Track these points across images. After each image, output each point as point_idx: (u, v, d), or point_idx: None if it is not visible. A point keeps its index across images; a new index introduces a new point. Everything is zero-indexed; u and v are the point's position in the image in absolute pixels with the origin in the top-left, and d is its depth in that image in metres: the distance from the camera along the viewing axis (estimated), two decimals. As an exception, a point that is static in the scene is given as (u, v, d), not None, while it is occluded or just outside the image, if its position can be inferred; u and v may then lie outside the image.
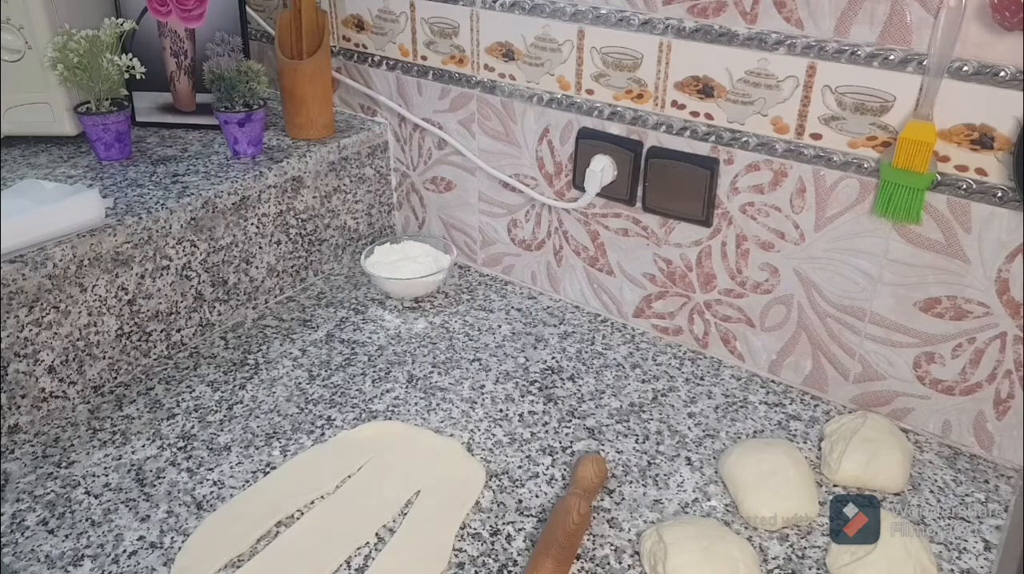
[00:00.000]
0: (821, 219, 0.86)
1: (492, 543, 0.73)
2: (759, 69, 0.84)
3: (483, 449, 0.85)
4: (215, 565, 0.70)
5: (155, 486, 0.79)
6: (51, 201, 0.85)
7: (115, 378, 0.94)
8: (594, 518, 0.76)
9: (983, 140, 0.74)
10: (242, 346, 1.01)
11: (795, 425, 0.89)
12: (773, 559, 0.72)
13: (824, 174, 0.84)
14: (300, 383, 0.94)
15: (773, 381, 0.96)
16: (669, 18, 0.88)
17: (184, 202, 0.95)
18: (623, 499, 0.78)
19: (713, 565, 0.67)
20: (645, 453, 0.84)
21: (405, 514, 0.76)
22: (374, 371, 0.96)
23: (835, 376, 0.92)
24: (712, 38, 0.86)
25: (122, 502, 0.77)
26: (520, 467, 0.82)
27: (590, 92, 0.97)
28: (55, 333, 0.86)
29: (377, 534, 0.74)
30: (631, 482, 0.81)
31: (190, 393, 0.93)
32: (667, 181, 0.95)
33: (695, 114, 0.90)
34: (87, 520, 0.75)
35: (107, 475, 0.81)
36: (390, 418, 0.89)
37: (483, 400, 0.92)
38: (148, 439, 0.85)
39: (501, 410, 0.90)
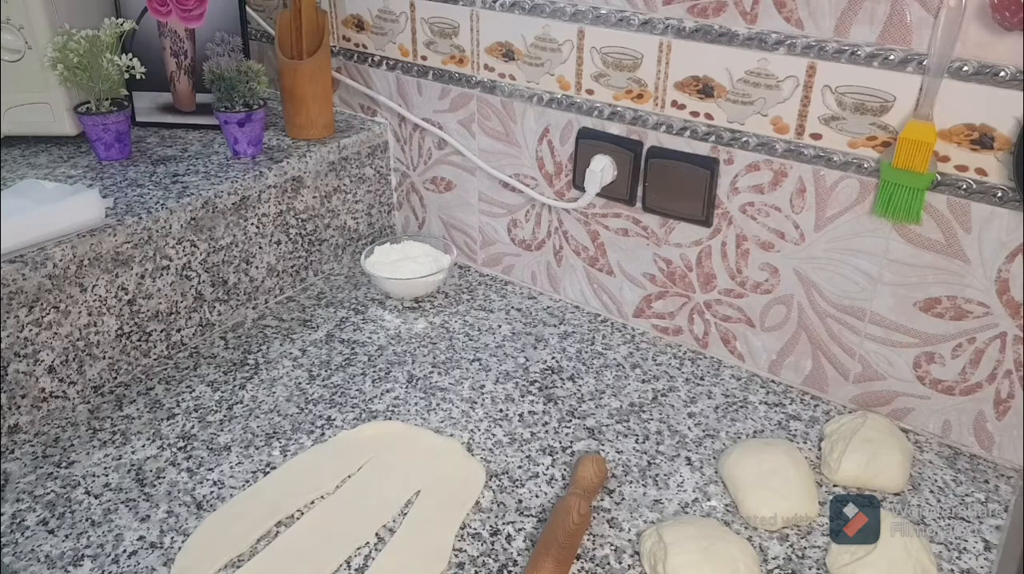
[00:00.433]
0: (821, 219, 0.86)
1: (492, 543, 0.73)
2: (759, 69, 0.84)
3: (483, 449, 0.85)
4: (215, 565, 0.70)
5: (155, 486, 0.79)
6: (51, 201, 0.85)
7: (115, 378, 0.94)
8: (594, 518, 0.76)
9: (983, 140, 0.74)
10: (242, 346, 1.01)
11: (795, 425, 0.89)
12: (773, 559, 0.72)
13: (824, 174, 0.84)
14: (300, 383, 0.94)
15: (773, 381, 0.96)
16: (669, 18, 0.88)
17: (184, 202, 0.95)
18: (623, 499, 0.78)
19: (713, 565, 0.67)
20: (645, 453, 0.84)
21: (405, 514, 0.76)
22: (374, 371, 0.96)
23: (835, 376, 0.92)
24: (712, 38, 0.86)
25: (122, 502, 0.77)
26: (520, 467, 0.82)
27: (590, 92, 0.97)
28: (55, 333, 0.86)
29: (377, 534, 0.74)
30: (631, 482, 0.81)
31: (190, 393, 0.93)
32: (667, 181, 0.95)
33: (695, 114, 0.90)
34: (87, 520, 0.75)
35: (107, 475, 0.81)
36: (390, 418, 0.89)
37: (483, 400, 0.92)
38: (148, 439, 0.85)
39: (501, 410, 0.90)
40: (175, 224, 0.94)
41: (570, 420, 0.89)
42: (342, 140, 1.14)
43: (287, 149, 1.10)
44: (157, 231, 0.93)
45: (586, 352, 1.01)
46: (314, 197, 1.12)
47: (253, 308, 1.09)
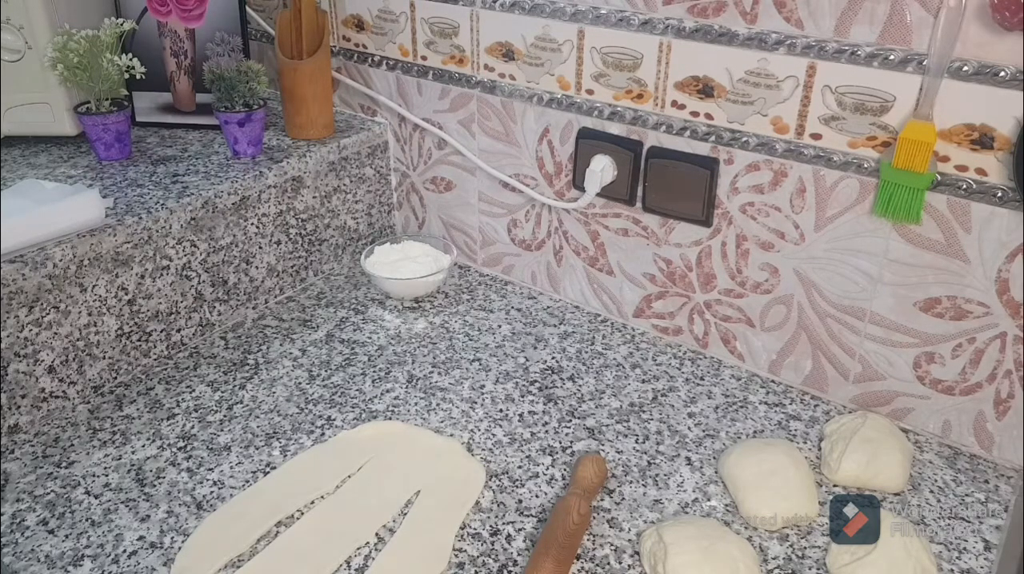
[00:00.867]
0: (821, 219, 0.86)
1: (492, 543, 0.73)
2: (759, 69, 0.84)
3: (483, 449, 0.85)
4: (215, 565, 0.70)
5: (155, 486, 0.79)
6: (51, 201, 0.85)
7: (115, 378, 0.94)
8: (594, 518, 0.76)
9: (983, 140, 0.74)
10: (242, 346, 1.01)
11: (795, 425, 0.89)
12: (773, 559, 0.72)
13: (824, 174, 0.84)
14: (300, 383, 0.94)
15: (773, 381, 0.96)
16: (669, 18, 0.88)
17: (184, 202, 0.95)
18: (623, 499, 0.78)
19: (713, 565, 0.67)
20: (645, 453, 0.84)
21: (405, 514, 0.76)
22: (374, 371, 0.96)
23: (835, 376, 0.92)
24: (712, 38, 0.86)
25: (122, 502, 0.77)
26: (520, 467, 0.82)
27: (590, 92, 0.97)
28: (55, 333, 0.86)
29: (377, 534, 0.74)
30: (631, 482, 0.81)
31: (190, 393, 0.93)
32: (667, 181, 0.95)
33: (695, 114, 0.90)
34: (87, 520, 0.75)
35: (107, 475, 0.81)
36: (390, 418, 0.89)
37: (483, 400, 0.92)
38: (148, 439, 0.85)
39: (501, 410, 0.90)
40: (175, 224, 0.94)
41: (570, 420, 0.89)
42: (342, 140, 1.14)
43: (287, 149, 1.10)
44: (157, 231, 0.93)
45: (586, 352, 1.01)
46: (314, 197, 1.12)
47: (253, 308, 1.09)
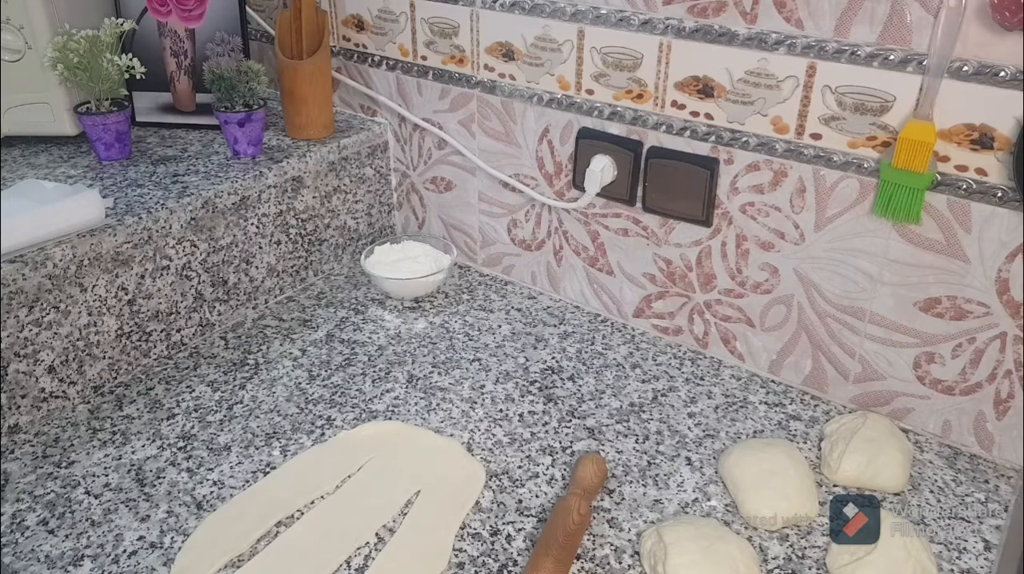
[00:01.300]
0: (821, 219, 0.86)
1: (492, 543, 0.73)
2: (759, 69, 0.84)
3: (483, 449, 0.85)
4: (215, 565, 0.70)
5: (155, 486, 0.79)
6: (51, 201, 0.85)
7: (115, 378, 0.94)
8: (594, 518, 0.76)
9: (983, 140, 0.74)
10: (242, 346, 1.01)
11: (795, 425, 0.89)
12: (773, 559, 0.72)
13: (824, 174, 0.84)
14: (300, 383, 0.94)
15: (773, 381, 0.96)
16: (669, 18, 0.88)
17: (184, 202, 0.95)
18: (623, 499, 0.78)
19: (713, 565, 0.67)
20: (645, 453, 0.84)
21: (405, 514, 0.76)
22: (374, 371, 0.97)
23: (835, 376, 0.92)
24: (712, 38, 0.86)
25: (122, 502, 0.77)
26: (520, 467, 0.82)
27: (590, 92, 0.97)
28: (55, 333, 0.86)
29: (377, 534, 0.74)
30: (631, 482, 0.81)
31: (190, 393, 0.93)
32: (667, 181, 0.95)
33: (695, 114, 0.90)
34: (87, 520, 0.75)
35: (107, 475, 0.81)
36: (390, 418, 0.89)
37: (483, 400, 0.92)
38: (148, 439, 0.85)
39: (501, 410, 0.90)
40: (175, 224, 0.94)
41: (570, 420, 0.89)
42: (342, 140, 1.14)
43: (287, 149, 1.10)
44: (157, 231, 0.93)
45: (586, 352, 1.01)
46: (314, 197, 1.12)
47: (253, 308, 1.09)
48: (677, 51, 0.88)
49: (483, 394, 0.93)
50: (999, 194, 0.75)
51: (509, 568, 0.71)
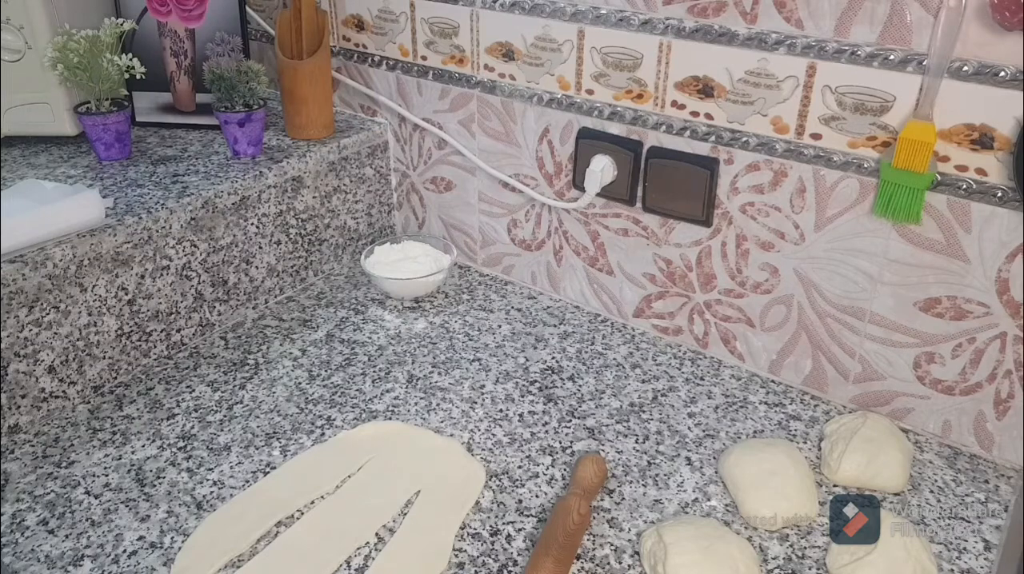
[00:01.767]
0: (821, 219, 0.86)
1: (492, 543, 0.73)
2: (759, 69, 0.84)
3: (483, 449, 0.85)
4: (215, 565, 0.70)
5: (155, 486, 0.79)
6: (51, 201, 0.85)
7: (115, 378, 0.94)
8: (594, 518, 0.76)
9: (983, 140, 0.74)
10: (242, 346, 1.01)
11: (795, 425, 0.89)
12: (773, 559, 0.72)
13: (824, 174, 0.84)
14: (300, 383, 0.94)
15: (773, 381, 0.96)
16: (669, 18, 0.88)
17: (184, 202, 0.95)
18: (623, 499, 0.78)
19: (713, 565, 0.67)
20: (645, 453, 0.84)
21: (405, 514, 0.76)
22: (374, 371, 0.97)
23: (835, 376, 0.92)
24: (712, 38, 0.86)
25: (122, 502, 0.77)
26: (520, 467, 0.82)
27: (590, 92, 0.97)
28: (55, 333, 0.86)
29: (377, 534, 0.74)
30: (631, 482, 0.81)
31: (190, 393, 0.93)
32: (667, 181, 0.95)
33: (695, 114, 0.90)
34: (87, 520, 0.75)
35: (107, 475, 0.81)
36: (390, 418, 0.89)
37: (483, 400, 0.92)
38: (148, 439, 0.85)
39: (501, 410, 0.90)
40: (175, 224, 0.94)
41: (570, 420, 0.89)
42: (342, 140, 1.14)
43: (287, 149, 1.10)
44: (157, 231, 0.93)
45: (586, 352, 1.01)
46: (314, 197, 1.12)
47: (253, 308, 1.09)
48: (677, 51, 0.88)
49: (483, 394, 0.93)
50: (999, 194, 0.75)
51: (509, 568, 0.71)
